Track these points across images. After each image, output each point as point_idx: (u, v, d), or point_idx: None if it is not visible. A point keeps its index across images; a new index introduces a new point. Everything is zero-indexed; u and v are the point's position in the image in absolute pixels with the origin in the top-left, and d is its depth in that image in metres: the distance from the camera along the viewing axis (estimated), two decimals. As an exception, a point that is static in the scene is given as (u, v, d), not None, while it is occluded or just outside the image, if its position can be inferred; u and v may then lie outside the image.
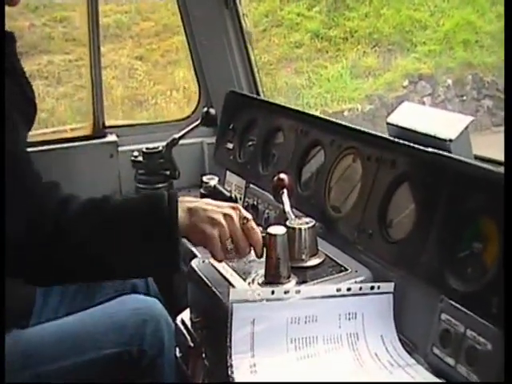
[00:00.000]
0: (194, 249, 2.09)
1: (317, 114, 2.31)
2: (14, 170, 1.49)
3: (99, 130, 2.94)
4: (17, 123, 1.59)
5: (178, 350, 1.87)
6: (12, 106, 1.57)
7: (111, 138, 2.94)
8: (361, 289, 1.53)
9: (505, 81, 1.37)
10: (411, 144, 1.69)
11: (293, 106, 2.43)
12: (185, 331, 1.80)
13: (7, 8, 1.66)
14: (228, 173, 2.61)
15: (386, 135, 1.87)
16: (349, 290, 1.52)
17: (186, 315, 1.83)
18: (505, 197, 1.26)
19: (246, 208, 2.33)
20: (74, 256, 1.51)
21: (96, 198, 1.58)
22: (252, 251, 1.59)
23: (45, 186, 1.58)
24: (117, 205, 1.58)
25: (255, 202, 2.30)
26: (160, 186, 2.74)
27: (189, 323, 1.79)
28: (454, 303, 1.41)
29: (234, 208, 1.59)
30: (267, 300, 1.47)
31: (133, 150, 2.81)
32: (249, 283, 1.60)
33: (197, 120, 2.81)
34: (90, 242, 1.51)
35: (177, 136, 2.75)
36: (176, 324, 1.85)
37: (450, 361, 1.39)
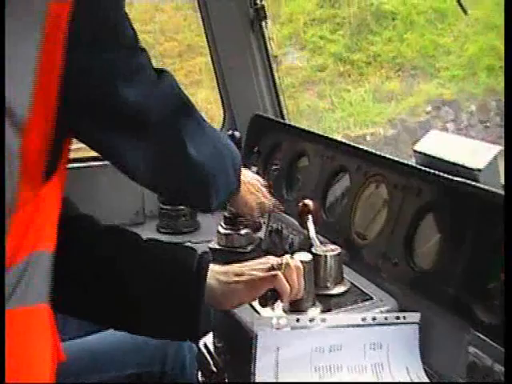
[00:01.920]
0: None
1: (339, 137, 2.30)
2: None
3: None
4: None
5: (200, 374, 1.86)
6: None
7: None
8: (386, 318, 1.52)
9: (504, 87, 1.35)
10: (438, 173, 1.68)
11: (315, 130, 2.43)
12: (207, 356, 1.79)
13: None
14: (252, 196, 2.60)
15: (411, 162, 1.86)
16: (374, 319, 1.51)
17: (209, 339, 1.82)
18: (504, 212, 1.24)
19: (269, 233, 2.32)
20: (78, 286, 1.45)
21: (117, 227, 1.54)
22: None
23: None
24: (142, 249, 1.51)
25: (279, 227, 2.29)
26: (183, 207, 2.74)
27: (212, 348, 1.79)
28: (481, 335, 1.39)
29: (264, 263, 1.55)
30: (292, 328, 1.46)
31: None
32: (273, 310, 1.59)
33: (221, 143, 2.81)
34: (101, 276, 1.45)
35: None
36: (199, 348, 1.84)
37: (476, 394, 1.37)
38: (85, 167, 2.82)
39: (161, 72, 1.37)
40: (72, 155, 2.77)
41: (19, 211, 1.12)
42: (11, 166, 1.08)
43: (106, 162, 2.73)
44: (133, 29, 1.28)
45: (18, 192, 1.11)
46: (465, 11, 1.86)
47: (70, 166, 2.61)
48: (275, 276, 1.47)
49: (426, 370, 1.51)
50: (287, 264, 1.50)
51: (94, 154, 2.86)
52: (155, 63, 1.34)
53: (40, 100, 1.09)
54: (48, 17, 1.07)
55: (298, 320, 1.46)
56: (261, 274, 1.49)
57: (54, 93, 1.10)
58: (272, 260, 1.54)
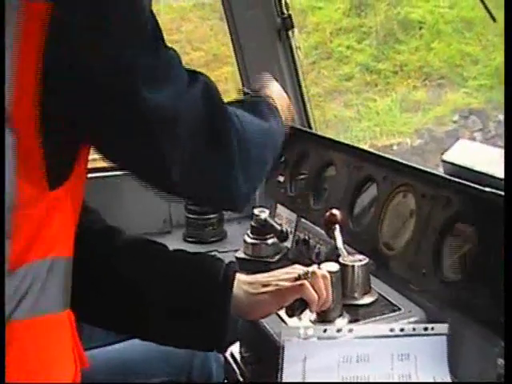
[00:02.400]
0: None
1: (366, 147, 2.30)
2: None
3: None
4: None
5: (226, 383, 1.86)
6: None
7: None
8: (414, 329, 1.51)
9: (504, 90, 1.34)
10: (467, 182, 1.67)
11: (342, 139, 2.42)
12: (234, 365, 1.79)
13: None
14: (278, 206, 2.60)
15: (439, 172, 1.85)
16: (402, 330, 1.50)
17: (235, 349, 1.82)
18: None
19: (296, 242, 2.32)
20: (103, 296, 1.46)
21: (143, 238, 1.54)
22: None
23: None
24: (167, 260, 1.50)
25: (306, 237, 2.28)
26: (210, 216, 2.75)
27: (238, 357, 1.78)
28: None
29: (291, 272, 1.54)
30: (319, 338, 1.46)
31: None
32: (300, 320, 1.59)
33: (248, 152, 2.81)
34: (127, 286, 1.45)
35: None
36: (225, 357, 1.84)
37: (505, 407, 1.35)
38: (112, 176, 2.83)
39: (194, 73, 1.32)
40: (99, 164, 2.80)
41: (21, 211, 1.13)
42: (8, 160, 1.08)
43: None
44: (158, 27, 1.24)
45: (18, 189, 1.11)
46: (493, 18, 1.85)
47: (97, 175, 2.65)
48: (302, 285, 1.46)
49: (453, 382, 1.49)
50: (314, 273, 1.50)
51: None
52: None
53: (21, 98, 1.09)
54: (23, 15, 1.07)
55: (325, 330, 1.46)
56: (288, 283, 1.49)
57: (34, 91, 1.09)
58: (298, 269, 1.53)
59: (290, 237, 2.39)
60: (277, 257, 2.31)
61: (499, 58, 10.83)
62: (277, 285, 1.49)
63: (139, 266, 1.48)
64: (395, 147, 9.72)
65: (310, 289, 1.47)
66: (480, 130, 10.06)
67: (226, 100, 1.42)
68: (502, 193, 1.56)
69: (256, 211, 2.32)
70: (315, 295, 1.47)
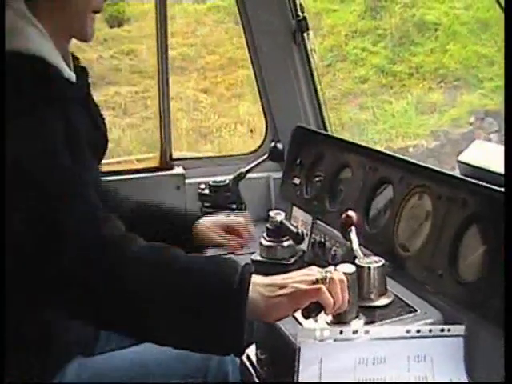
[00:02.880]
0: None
1: (382, 150, 2.29)
2: (72, 197, 1.47)
3: (167, 162, 2.98)
4: (81, 153, 1.60)
5: (242, 385, 1.86)
6: (82, 136, 1.60)
7: (179, 170, 2.98)
8: (431, 331, 1.50)
9: (505, 87, 1.33)
10: (483, 183, 1.67)
11: (358, 142, 2.42)
12: (250, 367, 1.79)
13: (77, 42, 1.71)
14: (294, 208, 2.60)
15: (455, 173, 1.85)
16: (418, 331, 1.49)
17: (251, 351, 1.81)
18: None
19: (312, 245, 2.32)
20: (119, 302, 1.45)
21: (160, 245, 1.52)
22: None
23: (103, 219, 1.52)
24: (182, 265, 1.49)
25: (322, 239, 2.28)
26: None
27: (254, 359, 1.78)
28: (528, 349, 1.37)
29: (308, 274, 1.53)
30: (335, 340, 1.45)
31: (199, 183, 2.83)
32: (316, 321, 1.58)
33: (263, 154, 2.83)
34: (142, 293, 1.43)
35: (244, 170, 2.77)
36: (242, 360, 1.84)
37: (523, 408, 1.35)
38: (129, 179, 2.85)
39: None
40: (114, 167, 2.82)
41: None
42: None
43: (151, 175, 2.78)
44: None
45: None
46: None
47: (115, 177, 2.65)
48: (319, 289, 1.46)
49: (462, 382, 1.49)
50: (331, 278, 1.49)
51: (137, 166, 2.89)
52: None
53: None
54: None
55: (341, 332, 1.45)
56: (305, 286, 1.48)
57: None
58: (315, 271, 1.53)
59: (306, 239, 2.39)
60: (293, 259, 2.31)
61: (516, 59, 10.76)
62: (293, 287, 1.48)
63: (155, 271, 1.47)
64: (411, 149, 9.69)
65: (327, 293, 1.46)
66: (496, 132, 10.00)
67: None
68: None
69: (272, 213, 2.32)
70: (331, 299, 1.46)
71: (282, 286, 1.48)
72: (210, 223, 2.10)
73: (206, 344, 1.47)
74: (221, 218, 2.13)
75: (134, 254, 1.46)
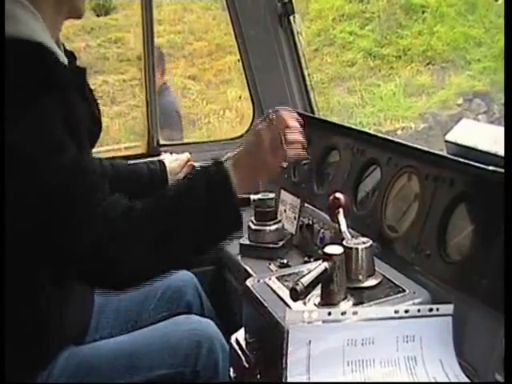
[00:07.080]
0: (249, 269, 2.08)
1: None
2: (79, 184, 1.50)
3: (154, 148, 2.97)
4: (82, 139, 1.60)
5: (232, 370, 1.85)
6: (81, 121, 1.60)
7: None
8: (419, 311, 1.50)
9: (504, 83, 1.33)
10: (471, 162, 1.66)
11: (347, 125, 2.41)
12: (239, 351, 1.78)
13: (65, 30, 1.69)
14: (282, 191, 2.59)
15: (443, 153, 1.84)
16: (407, 312, 1.49)
17: (240, 335, 1.80)
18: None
19: (300, 227, 2.32)
20: (148, 252, 1.54)
21: (145, 201, 1.60)
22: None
23: (110, 199, 1.56)
24: (174, 191, 1.66)
25: (310, 222, 2.28)
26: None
27: (243, 343, 1.77)
28: (516, 327, 1.37)
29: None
30: (323, 321, 1.45)
31: (187, 168, 2.81)
32: (304, 303, 1.58)
33: (251, 139, 2.81)
34: (160, 234, 1.55)
35: (231, 154, 2.76)
36: (230, 344, 1.83)
37: (512, 387, 1.34)
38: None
39: None
40: (103, 155, 2.81)
41: None
42: None
43: (138, 161, 2.77)
44: None
45: None
46: (495, -2, 1.83)
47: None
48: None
49: (460, 363, 1.49)
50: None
51: (124, 153, 2.88)
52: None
53: None
54: None
55: (329, 313, 1.45)
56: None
57: None
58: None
59: (295, 222, 2.39)
60: (281, 242, 2.31)
61: (503, 40, 10.77)
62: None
63: (161, 212, 1.59)
64: (399, 132, 9.71)
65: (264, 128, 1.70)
66: (484, 113, 10.03)
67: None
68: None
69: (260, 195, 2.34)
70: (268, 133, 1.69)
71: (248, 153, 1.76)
72: (178, 167, 2.40)
73: (219, 232, 1.64)
74: (176, 156, 2.47)
75: (141, 214, 1.56)
